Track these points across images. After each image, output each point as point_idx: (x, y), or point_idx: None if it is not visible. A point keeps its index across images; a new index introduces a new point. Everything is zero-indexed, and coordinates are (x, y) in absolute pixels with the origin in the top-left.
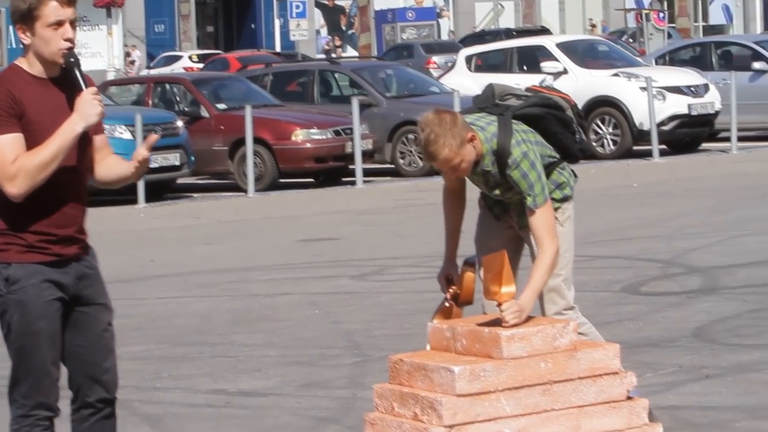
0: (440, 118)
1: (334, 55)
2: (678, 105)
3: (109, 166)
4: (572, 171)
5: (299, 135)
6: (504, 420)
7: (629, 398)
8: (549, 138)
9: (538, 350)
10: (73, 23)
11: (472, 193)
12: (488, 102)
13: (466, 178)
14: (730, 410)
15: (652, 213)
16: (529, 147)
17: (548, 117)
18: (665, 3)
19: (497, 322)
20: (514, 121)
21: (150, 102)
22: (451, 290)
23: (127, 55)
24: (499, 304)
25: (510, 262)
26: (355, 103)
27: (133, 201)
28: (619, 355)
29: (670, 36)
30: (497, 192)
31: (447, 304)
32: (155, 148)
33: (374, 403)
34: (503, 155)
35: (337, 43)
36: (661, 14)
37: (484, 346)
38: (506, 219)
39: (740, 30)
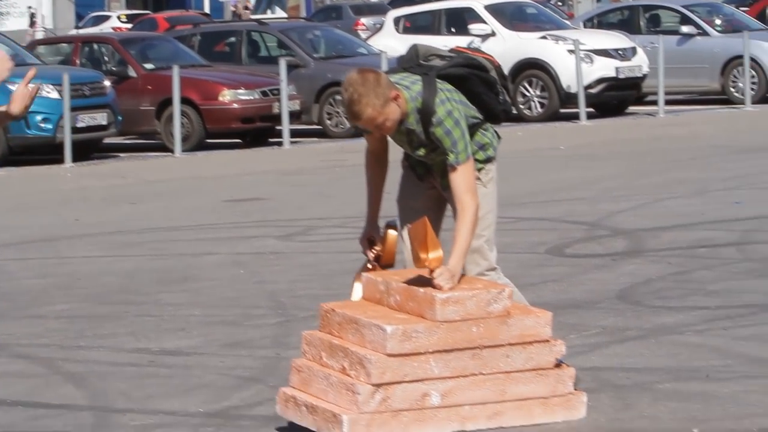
0: (363, 78)
1: (243, 18)
2: (605, 68)
3: None
4: (495, 132)
5: (226, 95)
6: (431, 381)
7: (557, 365)
8: (473, 99)
9: (471, 314)
10: None
11: (395, 154)
12: (412, 62)
13: (389, 140)
14: (652, 372)
15: (578, 175)
16: (453, 106)
17: (472, 77)
18: None
19: (431, 282)
20: (438, 80)
21: (77, 61)
22: (373, 252)
23: (32, 16)
24: (431, 272)
25: (432, 223)
26: (282, 64)
27: (60, 160)
28: (550, 323)
29: None
30: (421, 152)
31: (369, 266)
32: (82, 107)
33: (302, 350)
34: (427, 113)
35: (247, 4)
36: None
37: (417, 306)
38: (429, 179)
39: None
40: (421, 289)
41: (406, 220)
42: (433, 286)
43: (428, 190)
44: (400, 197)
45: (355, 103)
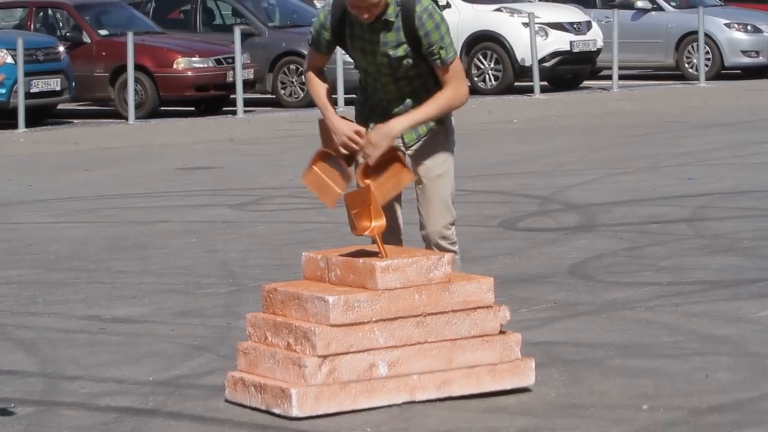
0: None
1: None
2: (560, 42)
3: None
4: None
5: (181, 63)
6: (377, 351)
7: (502, 332)
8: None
9: (412, 282)
10: None
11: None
12: None
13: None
14: (603, 347)
15: (531, 149)
16: (434, 6)
17: None
18: None
19: (372, 254)
20: None
21: (32, 26)
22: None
23: None
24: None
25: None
26: (237, 32)
27: (14, 126)
28: (492, 288)
29: None
30: (381, 61)
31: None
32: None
33: (247, 333)
34: (409, 6)
35: None
36: None
37: (358, 277)
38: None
39: None
40: (361, 260)
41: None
42: (375, 256)
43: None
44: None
45: None
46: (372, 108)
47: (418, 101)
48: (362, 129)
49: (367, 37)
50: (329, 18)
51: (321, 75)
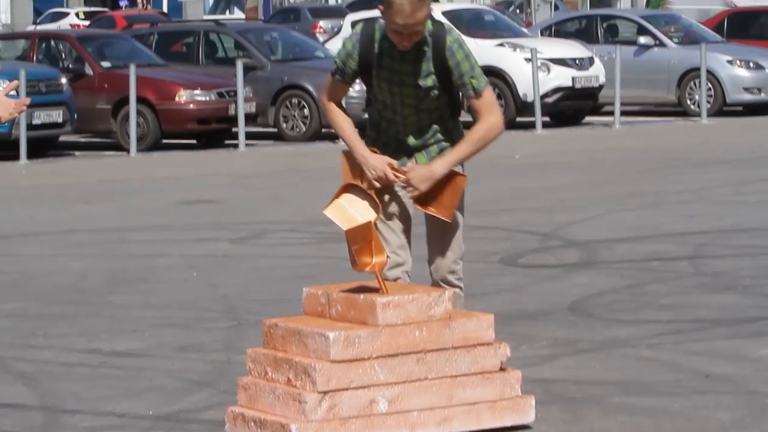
0: None
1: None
2: (562, 77)
3: None
4: None
5: (183, 95)
6: (377, 387)
7: (503, 369)
8: None
9: (413, 318)
10: None
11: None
12: None
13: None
14: (603, 385)
15: (532, 185)
16: (462, 39)
17: None
18: None
19: (372, 290)
20: None
21: (34, 58)
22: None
23: None
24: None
25: (404, 222)
26: (239, 65)
27: (15, 157)
28: (493, 325)
29: (557, 8)
30: (408, 92)
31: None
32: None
33: (247, 368)
34: (440, 36)
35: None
36: None
37: (359, 313)
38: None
39: (627, 4)
40: (362, 296)
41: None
42: (376, 292)
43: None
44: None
45: (414, 4)
46: (386, 143)
47: (435, 134)
48: (395, 162)
49: (396, 66)
50: (357, 47)
51: (341, 107)
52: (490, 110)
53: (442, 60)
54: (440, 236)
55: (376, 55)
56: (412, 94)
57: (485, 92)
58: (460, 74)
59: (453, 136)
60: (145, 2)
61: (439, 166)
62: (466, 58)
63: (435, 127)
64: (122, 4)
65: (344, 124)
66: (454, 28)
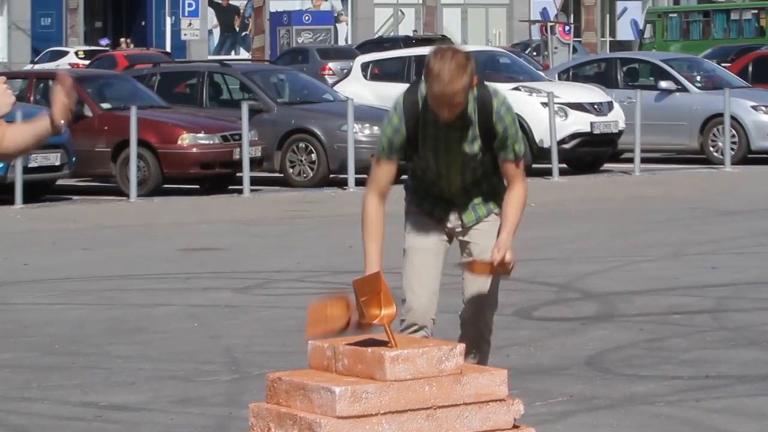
0: (462, 53)
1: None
2: (580, 123)
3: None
4: None
5: (186, 139)
6: None
7: (516, 427)
8: None
9: (422, 373)
10: None
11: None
12: None
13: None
14: None
15: (549, 234)
16: (508, 103)
17: None
18: (571, 16)
19: (381, 343)
20: None
21: (32, 98)
22: None
23: None
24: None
25: (433, 270)
26: (244, 107)
27: (10, 201)
28: (506, 381)
29: (575, 50)
30: (454, 160)
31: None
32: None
33: (250, 423)
34: (486, 99)
35: (125, 46)
36: (567, 27)
37: (366, 367)
38: (445, 222)
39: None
40: (369, 349)
41: (419, 262)
42: (384, 345)
43: (441, 234)
44: (415, 241)
45: (454, 71)
46: (433, 204)
47: (479, 192)
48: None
49: (441, 136)
50: (404, 121)
51: (382, 205)
52: (522, 174)
53: (488, 124)
54: (479, 289)
55: (421, 126)
56: (459, 161)
57: (521, 161)
58: (505, 138)
59: (497, 190)
60: (128, 41)
61: (508, 238)
62: (513, 122)
63: (480, 184)
64: (103, 42)
65: (374, 233)
66: (500, 90)
